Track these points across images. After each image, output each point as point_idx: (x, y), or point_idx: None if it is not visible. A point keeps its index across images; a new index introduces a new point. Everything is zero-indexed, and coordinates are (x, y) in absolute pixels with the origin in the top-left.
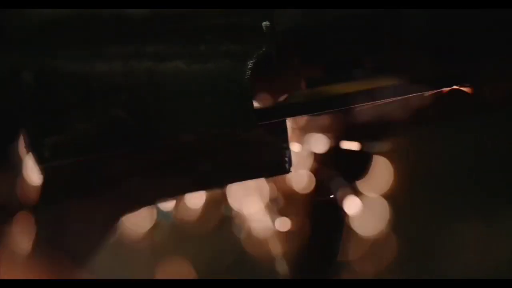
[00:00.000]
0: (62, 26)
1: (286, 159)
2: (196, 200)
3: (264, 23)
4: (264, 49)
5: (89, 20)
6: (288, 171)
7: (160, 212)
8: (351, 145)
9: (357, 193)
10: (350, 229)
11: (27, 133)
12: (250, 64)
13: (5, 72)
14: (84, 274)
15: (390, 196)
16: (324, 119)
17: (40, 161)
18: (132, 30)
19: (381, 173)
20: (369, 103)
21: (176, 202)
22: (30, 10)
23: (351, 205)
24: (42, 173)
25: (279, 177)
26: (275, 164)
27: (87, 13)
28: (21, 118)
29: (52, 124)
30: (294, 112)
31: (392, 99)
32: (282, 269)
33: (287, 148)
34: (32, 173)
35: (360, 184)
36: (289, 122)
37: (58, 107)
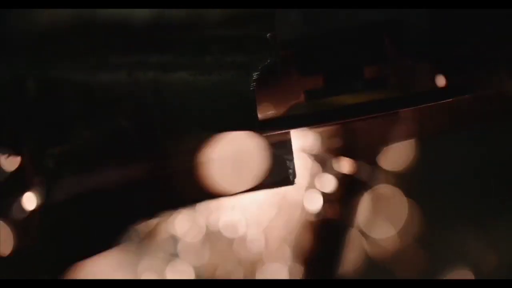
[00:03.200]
0: (66, 35)
1: (290, 170)
2: None
3: (269, 34)
4: (269, 61)
5: (94, 29)
6: (292, 182)
7: None
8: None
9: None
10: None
11: (30, 143)
12: (255, 75)
13: (8, 81)
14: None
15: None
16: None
17: (43, 171)
18: (137, 40)
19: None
20: (375, 114)
21: None
22: (34, 18)
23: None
24: (44, 184)
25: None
26: (279, 175)
27: (92, 22)
28: (24, 127)
29: (55, 134)
30: (300, 123)
31: (394, 111)
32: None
33: (291, 159)
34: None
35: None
36: (293, 134)
37: (61, 117)
